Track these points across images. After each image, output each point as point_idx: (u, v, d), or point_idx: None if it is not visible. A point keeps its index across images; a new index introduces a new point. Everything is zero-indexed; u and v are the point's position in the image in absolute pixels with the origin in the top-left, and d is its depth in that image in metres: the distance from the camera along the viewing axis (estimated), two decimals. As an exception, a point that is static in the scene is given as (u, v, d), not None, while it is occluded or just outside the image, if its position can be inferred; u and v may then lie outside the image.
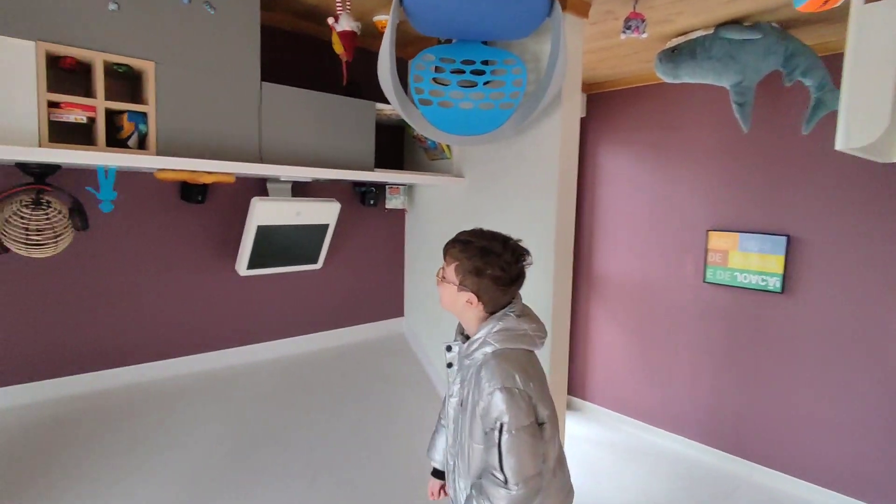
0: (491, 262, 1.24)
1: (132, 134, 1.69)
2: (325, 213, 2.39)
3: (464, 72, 2.02)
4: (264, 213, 2.17)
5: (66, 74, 1.65)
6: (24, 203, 1.61)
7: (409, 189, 2.91)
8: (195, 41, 1.76)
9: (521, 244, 1.32)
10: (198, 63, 1.77)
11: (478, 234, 1.30)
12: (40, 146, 1.50)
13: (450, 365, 1.36)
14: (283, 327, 2.52)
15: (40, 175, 1.68)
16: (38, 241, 1.63)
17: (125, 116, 1.67)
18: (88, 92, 1.64)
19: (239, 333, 2.37)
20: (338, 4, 1.86)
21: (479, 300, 1.26)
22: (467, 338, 1.34)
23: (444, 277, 1.32)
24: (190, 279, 2.20)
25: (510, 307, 1.29)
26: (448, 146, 2.62)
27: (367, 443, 2.33)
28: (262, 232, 2.22)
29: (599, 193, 3.68)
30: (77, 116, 1.57)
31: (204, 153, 1.80)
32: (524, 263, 1.30)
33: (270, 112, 1.96)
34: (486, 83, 2.06)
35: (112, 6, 1.58)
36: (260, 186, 2.33)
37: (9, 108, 1.44)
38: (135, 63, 1.64)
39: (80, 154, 1.54)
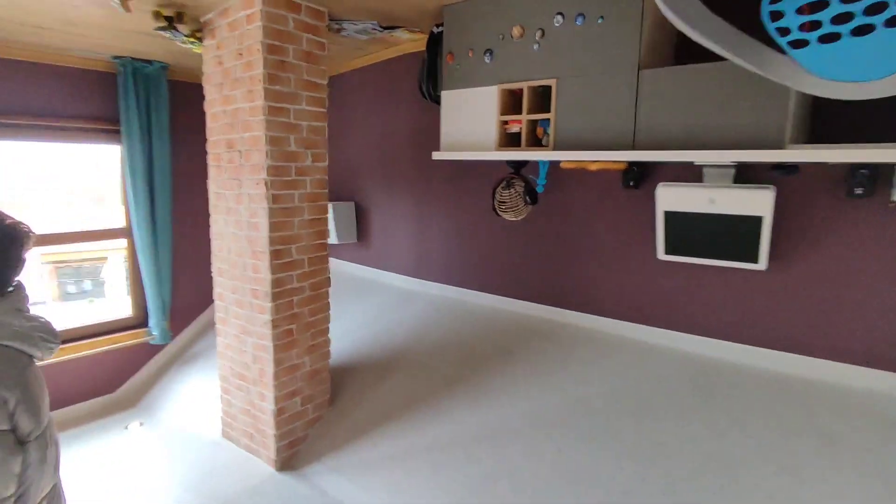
0: None
1: (544, 136, 2.31)
2: (750, 201, 2.00)
3: (850, -21, 1.22)
4: (669, 198, 2.17)
5: (512, 100, 2.46)
6: (502, 186, 2.61)
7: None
8: (584, 52, 2.10)
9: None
10: (585, 69, 2.11)
11: None
12: (494, 150, 2.42)
13: None
14: (708, 325, 2.31)
15: (517, 167, 2.62)
16: (504, 209, 2.60)
17: (538, 123, 2.31)
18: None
19: (655, 314, 2.44)
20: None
21: None
22: None
23: None
24: (614, 249, 2.53)
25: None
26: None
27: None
28: (672, 218, 2.21)
29: None
30: (515, 129, 2.37)
31: (588, 146, 2.14)
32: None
33: (647, 99, 1.97)
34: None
35: (535, 46, 2.24)
36: (694, 172, 2.25)
37: (484, 129, 2.45)
38: (545, 82, 2.23)
39: (504, 153, 2.37)
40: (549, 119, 2.24)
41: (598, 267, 2.61)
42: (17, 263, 1.18)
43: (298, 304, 2.69)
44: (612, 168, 2.27)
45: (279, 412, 2.67)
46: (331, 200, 3.80)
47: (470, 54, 2.47)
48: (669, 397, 2.23)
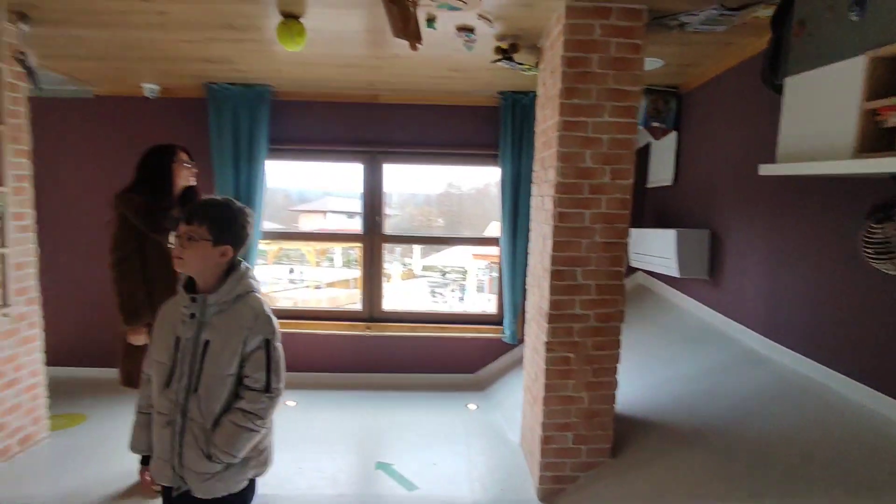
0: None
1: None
2: None
3: None
4: None
5: (889, 75, 1.41)
6: (874, 218, 1.60)
7: None
8: None
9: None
10: None
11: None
12: (852, 158, 1.52)
13: (193, 315, 1.45)
14: None
15: (912, 187, 1.54)
16: (877, 254, 1.59)
17: (930, 109, 1.28)
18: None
19: None
20: None
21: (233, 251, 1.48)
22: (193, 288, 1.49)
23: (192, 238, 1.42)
24: None
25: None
26: None
27: None
28: None
29: None
30: (893, 120, 1.41)
31: None
32: None
33: None
34: None
35: (937, -26, 1.26)
36: None
37: (839, 125, 1.56)
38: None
39: (866, 163, 1.44)
40: (953, 98, 1.23)
41: None
42: (248, 240, 1.53)
43: (579, 332, 2.47)
44: None
45: (545, 440, 2.54)
46: (679, 226, 3.27)
47: (828, 15, 1.63)
48: None
